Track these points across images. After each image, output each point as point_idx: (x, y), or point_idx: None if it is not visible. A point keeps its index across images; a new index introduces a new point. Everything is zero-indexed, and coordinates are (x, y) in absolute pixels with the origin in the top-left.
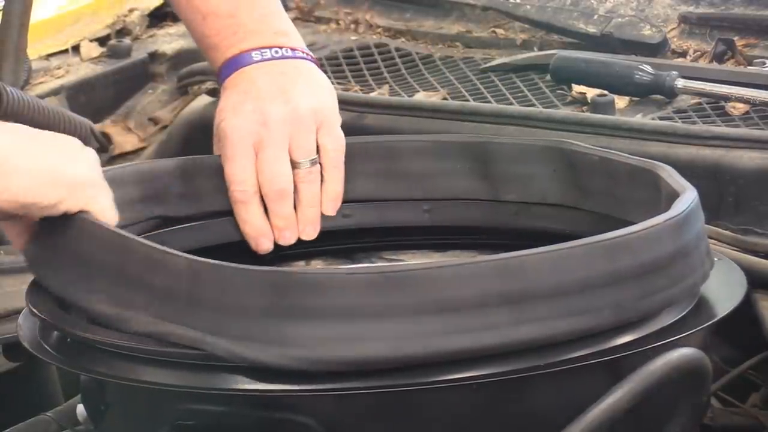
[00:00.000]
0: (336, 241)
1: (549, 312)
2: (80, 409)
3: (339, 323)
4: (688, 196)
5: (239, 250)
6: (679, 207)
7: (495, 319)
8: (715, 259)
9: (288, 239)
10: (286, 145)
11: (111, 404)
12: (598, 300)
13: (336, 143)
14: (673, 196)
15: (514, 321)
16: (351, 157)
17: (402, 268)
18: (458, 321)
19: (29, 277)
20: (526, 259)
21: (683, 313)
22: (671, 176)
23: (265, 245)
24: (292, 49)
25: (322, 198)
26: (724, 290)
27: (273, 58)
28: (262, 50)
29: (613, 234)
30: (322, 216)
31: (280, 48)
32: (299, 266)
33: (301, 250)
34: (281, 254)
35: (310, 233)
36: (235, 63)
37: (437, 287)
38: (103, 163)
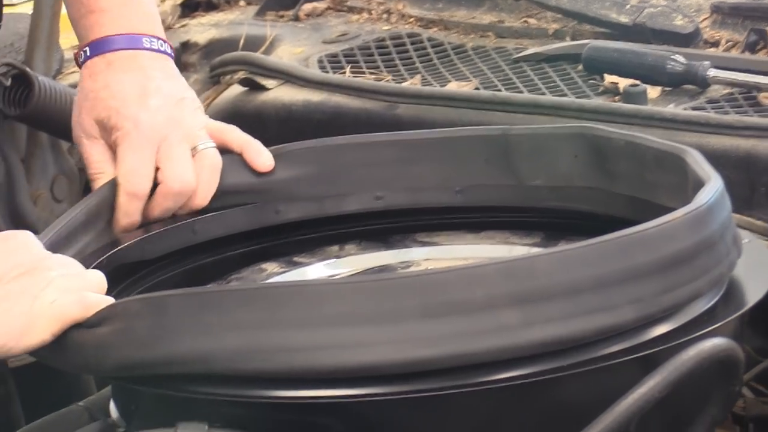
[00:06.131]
0: (369, 222)
1: (563, 312)
2: (113, 405)
3: (345, 329)
4: (712, 186)
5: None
6: (700, 199)
7: (506, 321)
8: (745, 240)
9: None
10: (188, 147)
11: (142, 405)
12: (616, 297)
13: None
14: (699, 183)
15: (526, 322)
16: (370, 151)
17: (407, 275)
18: (467, 324)
19: None
20: (536, 260)
21: (711, 304)
22: (697, 162)
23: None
24: (171, 48)
25: (257, 159)
26: (753, 275)
27: (158, 51)
28: (151, 39)
29: (627, 231)
30: (354, 198)
31: (165, 42)
32: (333, 251)
33: (335, 231)
34: (311, 237)
35: None
36: (127, 41)
37: (443, 291)
38: None
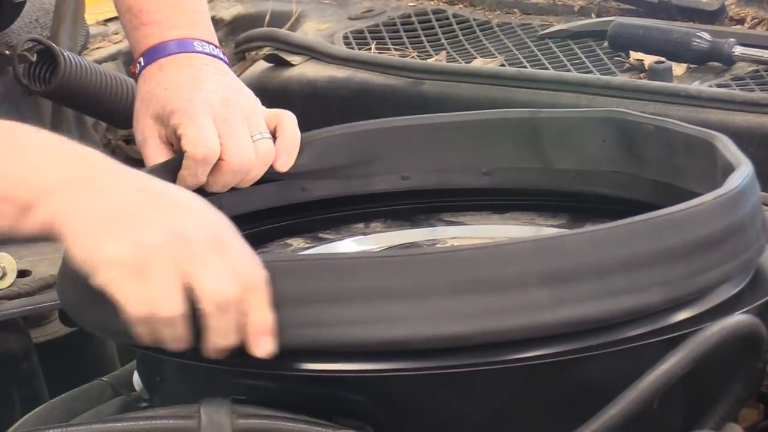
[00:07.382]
0: (396, 202)
1: (592, 291)
2: (136, 377)
3: (375, 304)
4: (742, 171)
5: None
6: (731, 183)
7: (535, 299)
8: None
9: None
10: (248, 130)
11: (166, 377)
12: (644, 278)
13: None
14: (729, 168)
15: (556, 300)
16: (398, 135)
17: (438, 251)
18: (497, 301)
19: None
20: (566, 239)
21: (738, 289)
22: (727, 147)
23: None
24: (222, 52)
25: (277, 158)
26: None
27: (209, 54)
28: (203, 43)
29: (658, 212)
30: (381, 178)
31: (216, 47)
32: (358, 228)
33: (361, 210)
34: (337, 215)
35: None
36: (178, 45)
37: (474, 267)
38: None
